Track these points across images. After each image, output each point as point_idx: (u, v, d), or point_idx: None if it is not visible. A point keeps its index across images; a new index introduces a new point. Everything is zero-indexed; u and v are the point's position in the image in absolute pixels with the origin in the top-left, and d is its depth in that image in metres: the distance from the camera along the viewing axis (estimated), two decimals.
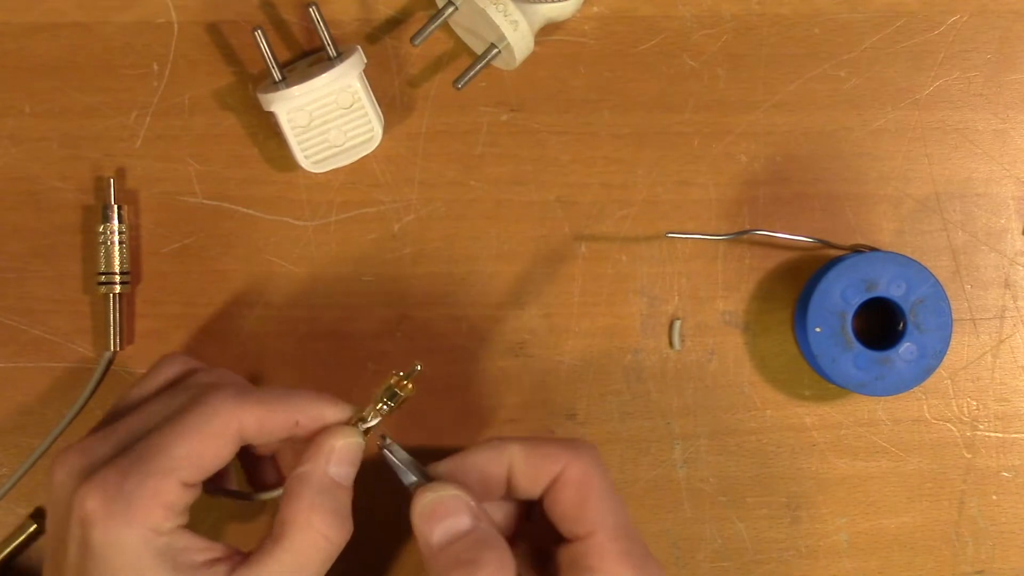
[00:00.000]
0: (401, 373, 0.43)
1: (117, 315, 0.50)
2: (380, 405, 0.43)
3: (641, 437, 0.52)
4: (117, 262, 0.49)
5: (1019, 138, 0.53)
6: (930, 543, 0.53)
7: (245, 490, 0.47)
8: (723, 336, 0.52)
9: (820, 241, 0.52)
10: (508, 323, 0.52)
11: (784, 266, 0.53)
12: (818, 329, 0.50)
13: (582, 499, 0.41)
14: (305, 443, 0.42)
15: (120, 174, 0.50)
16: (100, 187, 0.50)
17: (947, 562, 0.53)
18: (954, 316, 0.50)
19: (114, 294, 0.49)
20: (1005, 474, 0.53)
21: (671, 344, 0.52)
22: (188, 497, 0.40)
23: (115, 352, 0.50)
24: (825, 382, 0.52)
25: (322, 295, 0.51)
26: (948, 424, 0.53)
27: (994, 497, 0.53)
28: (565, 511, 0.41)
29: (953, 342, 0.51)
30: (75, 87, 0.50)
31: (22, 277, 0.50)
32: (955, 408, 0.53)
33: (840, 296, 0.50)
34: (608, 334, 0.52)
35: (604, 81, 0.52)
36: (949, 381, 0.53)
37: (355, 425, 0.42)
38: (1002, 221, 0.53)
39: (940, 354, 0.50)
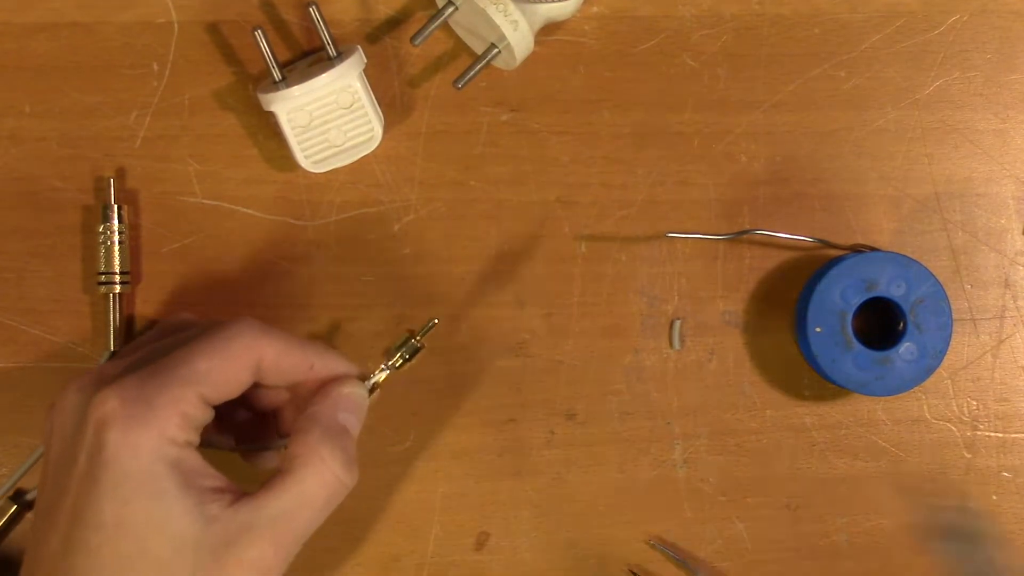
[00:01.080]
0: (413, 330, 0.46)
1: (117, 315, 0.50)
2: (396, 359, 0.46)
3: (641, 437, 0.52)
4: (117, 262, 0.49)
5: (1019, 138, 0.53)
6: (930, 543, 0.53)
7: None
8: (723, 336, 0.52)
9: (820, 241, 0.52)
10: (508, 323, 0.52)
11: (784, 266, 0.53)
12: (818, 329, 0.50)
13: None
14: (310, 398, 0.43)
15: (120, 174, 0.50)
16: (100, 187, 0.50)
17: (947, 562, 0.53)
18: (954, 316, 0.50)
19: (114, 294, 0.49)
20: (1005, 474, 0.53)
21: (671, 344, 0.52)
22: (203, 415, 0.40)
23: (115, 352, 0.50)
24: (825, 382, 0.52)
25: (322, 295, 0.51)
26: (948, 424, 0.53)
27: (994, 497, 0.53)
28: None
29: (953, 342, 0.51)
30: (75, 87, 0.50)
31: (22, 277, 0.50)
32: (955, 408, 0.53)
33: (840, 296, 0.50)
34: (608, 334, 0.52)
35: (604, 81, 0.52)
36: (949, 381, 0.53)
37: (363, 382, 0.44)
38: (1002, 221, 0.53)
39: (940, 354, 0.50)
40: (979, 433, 0.53)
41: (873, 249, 0.51)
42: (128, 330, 0.50)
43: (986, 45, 0.53)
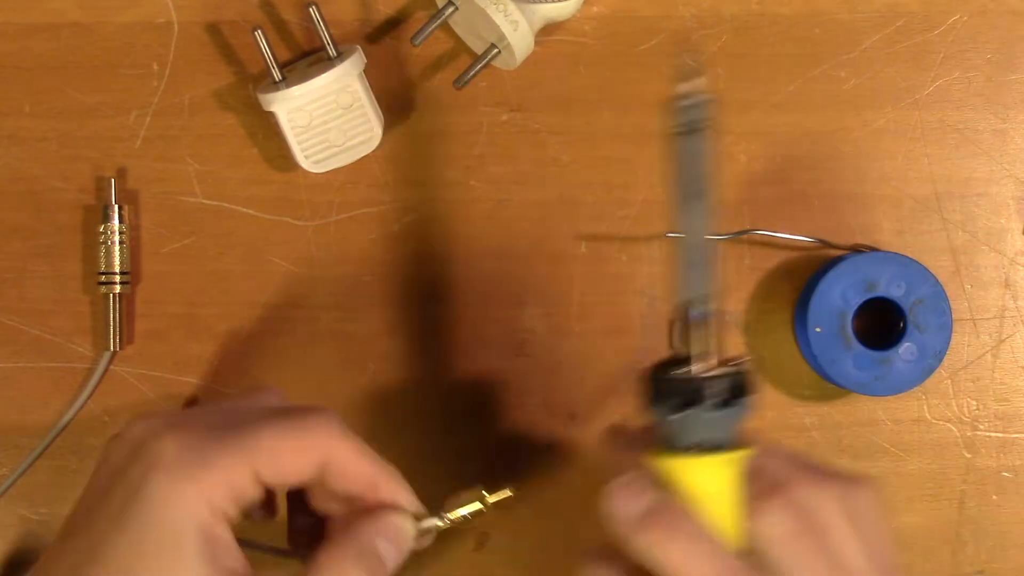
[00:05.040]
0: (485, 492, 0.43)
1: (117, 315, 0.50)
2: (457, 515, 0.42)
3: None
4: (117, 262, 0.49)
5: (1019, 138, 0.53)
6: (930, 543, 0.53)
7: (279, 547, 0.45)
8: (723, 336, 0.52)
9: (820, 241, 0.52)
10: (508, 323, 0.52)
11: (784, 266, 0.53)
12: (818, 329, 0.50)
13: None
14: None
15: (120, 174, 0.50)
16: (100, 187, 0.50)
17: (947, 562, 0.53)
18: (954, 316, 0.50)
19: (114, 294, 0.49)
20: (1005, 474, 0.53)
21: (671, 344, 0.52)
22: (252, 492, 0.38)
23: (115, 352, 0.50)
24: (825, 382, 0.52)
25: (322, 295, 0.51)
26: (948, 424, 0.53)
27: (994, 497, 0.53)
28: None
29: (953, 342, 0.51)
30: (75, 87, 0.50)
31: (22, 277, 0.50)
32: (955, 408, 0.53)
33: (840, 296, 0.50)
34: (608, 334, 0.52)
35: (604, 81, 0.52)
36: (949, 381, 0.53)
37: (417, 520, 0.42)
38: (1002, 221, 0.53)
39: (940, 354, 0.50)
40: (979, 433, 0.53)
41: (873, 249, 0.51)
42: (129, 330, 0.50)
43: (986, 45, 0.53)
